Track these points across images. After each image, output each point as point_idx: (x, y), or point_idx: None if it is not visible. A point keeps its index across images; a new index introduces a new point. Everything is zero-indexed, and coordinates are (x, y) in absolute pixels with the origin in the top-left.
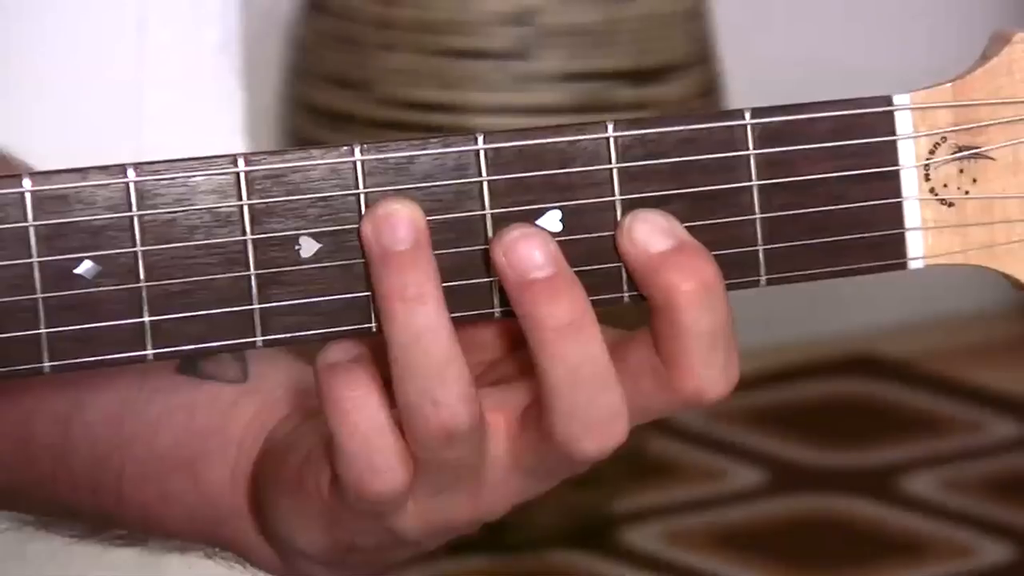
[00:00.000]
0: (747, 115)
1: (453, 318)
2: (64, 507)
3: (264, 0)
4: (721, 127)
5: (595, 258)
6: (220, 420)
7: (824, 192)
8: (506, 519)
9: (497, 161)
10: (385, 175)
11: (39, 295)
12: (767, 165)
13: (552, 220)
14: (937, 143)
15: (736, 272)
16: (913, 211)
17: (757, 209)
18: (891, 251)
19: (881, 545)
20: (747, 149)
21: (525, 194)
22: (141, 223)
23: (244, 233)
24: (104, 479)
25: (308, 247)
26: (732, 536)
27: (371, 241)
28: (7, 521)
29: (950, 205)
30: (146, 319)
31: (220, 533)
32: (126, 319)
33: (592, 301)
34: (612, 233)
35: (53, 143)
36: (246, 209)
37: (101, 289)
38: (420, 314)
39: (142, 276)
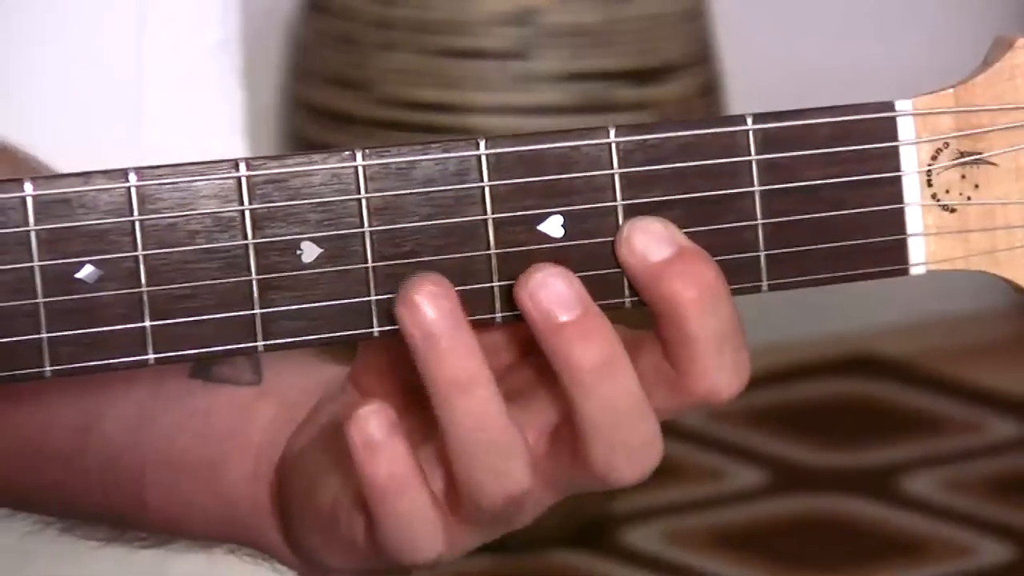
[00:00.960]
0: (749, 120)
1: None
2: (85, 511)
3: (264, 0)
4: (723, 132)
5: (597, 263)
6: (237, 424)
7: (826, 198)
8: None
9: (498, 166)
10: (386, 180)
11: (40, 299)
12: (769, 170)
13: (553, 225)
14: (939, 149)
15: (738, 277)
16: (915, 217)
17: (759, 214)
18: (893, 257)
19: (881, 545)
20: (749, 154)
21: (526, 199)
22: (143, 227)
23: (245, 238)
24: (124, 485)
25: (309, 252)
26: (732, 536)
27: (411, 329)
28: (30, 523)
29: (952, 211)
30: (147, 324)
31: (243, 534)
32: (127, 323)
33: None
34: (613, 239)
35: (53, 143)
36: (247, 214)
37: (102, 293)
38: (478, 399)
39: (143, 280)
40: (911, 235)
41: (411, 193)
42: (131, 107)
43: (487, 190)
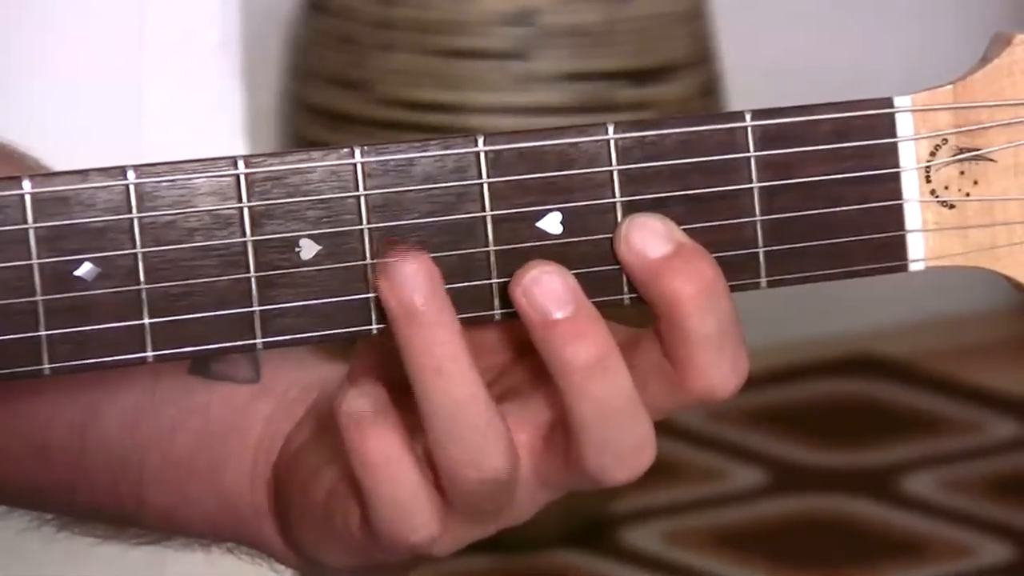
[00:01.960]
0: (747, 117)
1: None
2: (83, 509)
3: (264, 0)
4: (721, 129)
5: (595, 261)
6: (236, 422)
7: (825, 194)
8: None
9: (497, 163)
10: (385, 177)
11: (39, 297)
12: (767, 167)
13: (552, 222)
14: (938, 145)
15: (736, 274)
16: (914, 213)
17: (757, 211)
18: (892, 253)
19: (881, 545)
20: (747, 151)
21: (525, 196)
22: (141, 225)
23: (244, 235)
24: (123, 484)
25: (308, 249)
26: (732, 536)
27: (395, 307)
28: (26, 521)
29: (951, 207)
30: (146, 321)
31: (241, 532)
32: (126, 321)
33: (593, 303)
34: (612, 236)
35: (53, 143)
36: (246, 211)
37: (101, 291)
38: (457, 383)
39: (142, 278)
40: (910, 231)
41: (410, 190)
42: (131, 107)
43: (486, 187)
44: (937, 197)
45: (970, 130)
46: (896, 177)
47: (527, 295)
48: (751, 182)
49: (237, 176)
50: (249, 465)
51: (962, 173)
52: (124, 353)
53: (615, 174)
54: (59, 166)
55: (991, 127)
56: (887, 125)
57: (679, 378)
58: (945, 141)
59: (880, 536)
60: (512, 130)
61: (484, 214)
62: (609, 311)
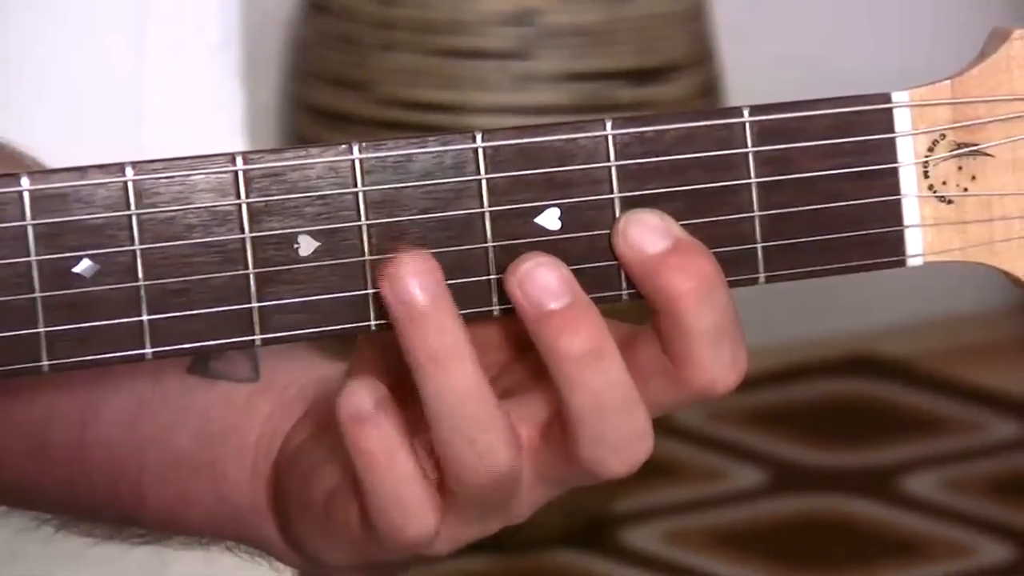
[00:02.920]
0: (746, 112)
1: None
2: (83, 509)
3: (264, 0)
4: (719, 125)
5: (594, 256)
6: (235, 420)
7: (823, 189)
8: None
9: (495, 159)
10: (383, 173)
11: (38, 294)
12: (766, 162)
13: (550, 218)
14: (936, 140)
15: (735, 269)
16: (912, 208)
17: (756, 206)
18: (890, 248)
19: (881, 545)
20: (746, 146)
21: (523, 192)
22: (140, 222)
23: (242, 231)
24: (123, 482)
25: (306, 245)
26: (732, 536)
27: (394, 302)
28: (25, 521)
29: (949, 202)
30: (144, 318)
31: (241, 531)
32: (124, 317)
33: (591, 299)
34: (610, 232)
35: (53, 142)
36: (244, 207)
37: (100, 288)
38: (458, 374)
39: (140, 275)
40: (908, 227)
41: (408, 186)
42: (131, 107)
43: (484, 183)
44: (935, 192)
45: (968, 125)
46: (894, 172)
47: (522, 287)
48: (749, 177)
49: (235, 172)
50: (249, 464)
51: (960, 168)
52: (123, 350)
53: (613, 170)
54: (59, 166)
55: (989, 122)
56: (885, 120)
57: (678, 374)
58: (943, 136)
59: (880, 536)
60: (510, 126)
61: (482, 210)
62: (608, 307)
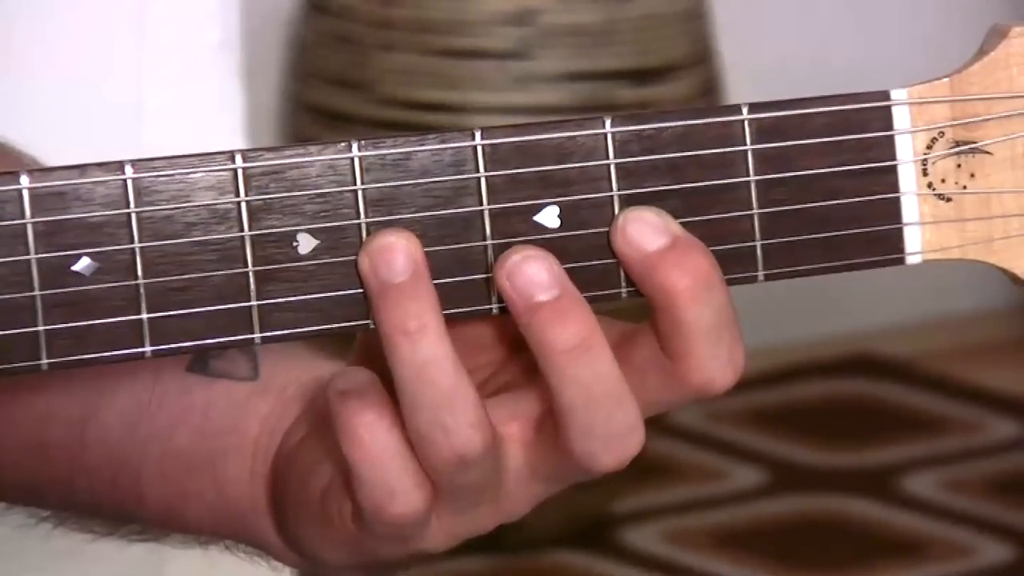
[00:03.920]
0: (744, 110)
1: (451, 315)
2: (82, 506)
3: (264, 0)
4: (719, 122)
5: (593, 254)
6: (235, 419)
7: (822, 187)
8: None
9: (494, 157)
10: (382, 171)
11: (37, 292)
12: (764, 160)
13: (550, 216)
14: (935, 138)
15: (734, 267)
16: (911, 206)
17: (755, 204)
18: (889, 246)
19: (881, 545)
20: (744, 144)
21: (522, 190)
22: (139, 220)
23: (242, 229)
24: (122, 480)
25: (306, 243)
26: (732, 536)
27: (369, 275)
28: (24, 517)
29: (948, 200)
30: (144, 316)
31: (241, 530)
32: (124, 316)
33: (590, 297)
34: (609, 229)
35: (53, 142)
36: (244, 205)
37: (99, 286)
38: (423, 346)
39: (140, 273)
40: (907, 224)
41: (407, 184)
42: (131, 106)
43: (483, 181)
44: (934, 190)
45: (967, 123)
46: (893, 170)
47: (510, 279)
48: (748, 175)
49: (235, 171)
50: (248, 462)
51: (959, 166)
52: (122, 348)
53: (612, 167)
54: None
55: (988, 120)
56: (884, 118)
57: (676, 371)
58: (942, 134)
59: (880, 536)
60: (509, 124)
61: (481, 208)
62: (607, 305)
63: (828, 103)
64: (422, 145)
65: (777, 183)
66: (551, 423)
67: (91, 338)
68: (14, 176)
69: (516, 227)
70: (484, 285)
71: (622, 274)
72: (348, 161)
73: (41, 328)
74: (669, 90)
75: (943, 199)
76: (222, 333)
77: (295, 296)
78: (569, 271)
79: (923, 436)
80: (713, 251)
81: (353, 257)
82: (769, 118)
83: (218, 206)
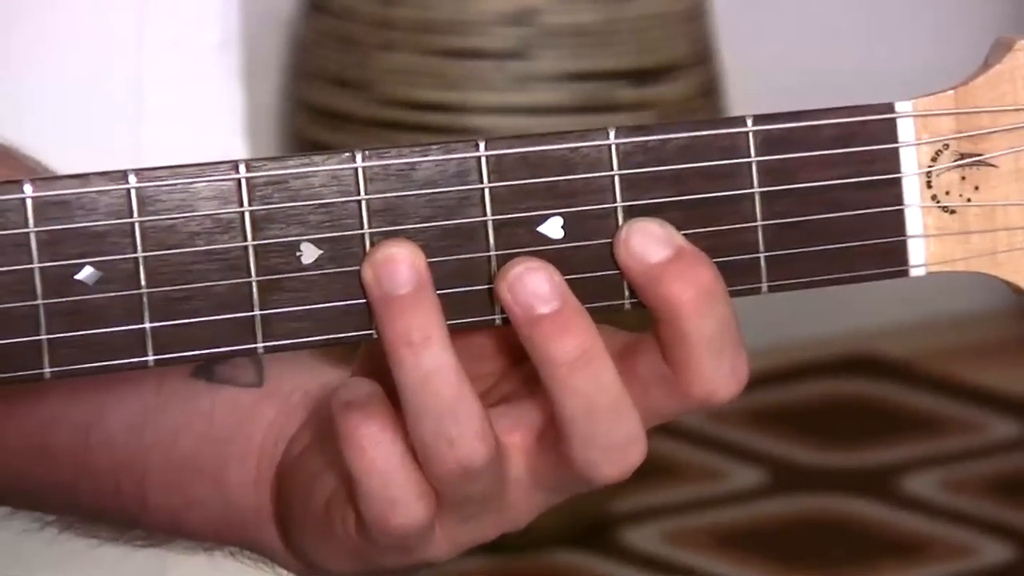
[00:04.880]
0: (749, 122)
1: (455, 325)
2: (86, 511)
3: (264, 0)
4: (723, 134)
5: (596, 265)
6: (239, 426)
7: (826, 199)
8: None
9: (498, 168)
10: (386, 181)
11: (40, 301)
12: (769, 172)
13: (553, 227)
14: (939, 150)
15: (737, 279)
16: (915, 218)
17: (759, 216)
18: (893, 259)
19: (881, 545)
20: (749, 156)
21: (526, 201)
22: (142, 229)
23: (245, 239)
24: (126, 485)
25: (309, 253)
26: (732, 536)
27: (372, 286)
28: (28, 521)
29: (952, 212)
30: (147, 325)
31: (245, 536)
32: (127, 325)
33: (593, 308)
34: (613, 240)
35: (53, 142)
36: (247, 215)
37: (102, 295)
38: (427, 357)
39: (143, 282)
40: (911, 237)
41: (411, 194)
42: (131, 107)
43: (487, 192)
44: (938, 202)
45: (972, 135)
46: (897, 182)
47: (511, 291)
48: (752, 187)
49: (238, 180)
50: (252, 468)
51: (963, 178)
52: (125, 357)
53: (616, 179)
54: (59, 166)
55: (993, 132)
56: (888, 130)
57: (679, 382)
58: (946, 146)
59: (880, 536)
60: (513, 133)
61: (485, 219)
62: (610, 316)
63: (832, 115)
64: (426, 155)
65: (781, 195)
66: (553, 433)
67: (94, 347)
68: (17, 184)
69: (520, 238)
70: (487, 296)
71: (625, 285)
72: (352, 171)
73: (44, 337)
74: (669, 90)
75: (947, 211)
76: (225, 343)
77: (298, 306)
78: (572, 282)
79: (923, 436)
80: (716, 263)
81: (356, 268)
82: (773, 130)
83: (221, 216)
